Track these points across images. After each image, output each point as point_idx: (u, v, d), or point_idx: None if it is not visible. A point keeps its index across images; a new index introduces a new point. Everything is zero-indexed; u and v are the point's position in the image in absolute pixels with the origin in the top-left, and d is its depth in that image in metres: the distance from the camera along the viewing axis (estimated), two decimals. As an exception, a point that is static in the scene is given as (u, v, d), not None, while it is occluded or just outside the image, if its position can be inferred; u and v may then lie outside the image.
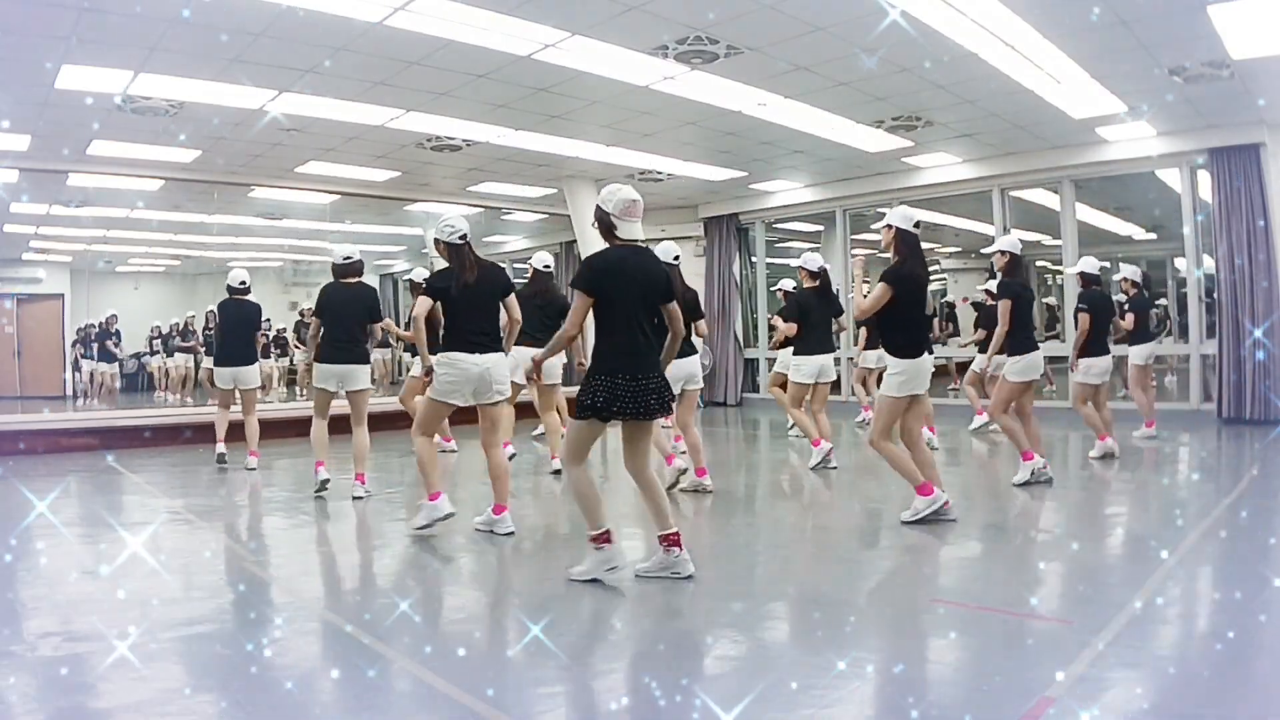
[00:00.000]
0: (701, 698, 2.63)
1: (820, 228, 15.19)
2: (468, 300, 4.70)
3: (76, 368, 13.96)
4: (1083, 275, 7.20)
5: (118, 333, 13.89)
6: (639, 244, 3.85)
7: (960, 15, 6.14)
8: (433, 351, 4.88)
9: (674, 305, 3.87)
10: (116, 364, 13.93)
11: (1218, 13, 6.06)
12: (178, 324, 14.48)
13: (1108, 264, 11.36)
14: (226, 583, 4.15)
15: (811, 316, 7.08)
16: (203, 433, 8.03)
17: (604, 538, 3.78)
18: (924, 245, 5.09)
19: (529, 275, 7.07)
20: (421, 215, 14.01)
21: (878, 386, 7.62)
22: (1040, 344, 6.42)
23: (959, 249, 18.04)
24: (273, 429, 8.50)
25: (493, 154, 10.09)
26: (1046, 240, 14.37)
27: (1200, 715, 2.49)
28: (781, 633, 3.47)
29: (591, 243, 13.18)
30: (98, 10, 5.62)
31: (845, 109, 8.59)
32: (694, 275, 13.91)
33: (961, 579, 4.13)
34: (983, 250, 8.70)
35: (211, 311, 13.23)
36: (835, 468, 6.94)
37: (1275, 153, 9.07)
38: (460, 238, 4.74)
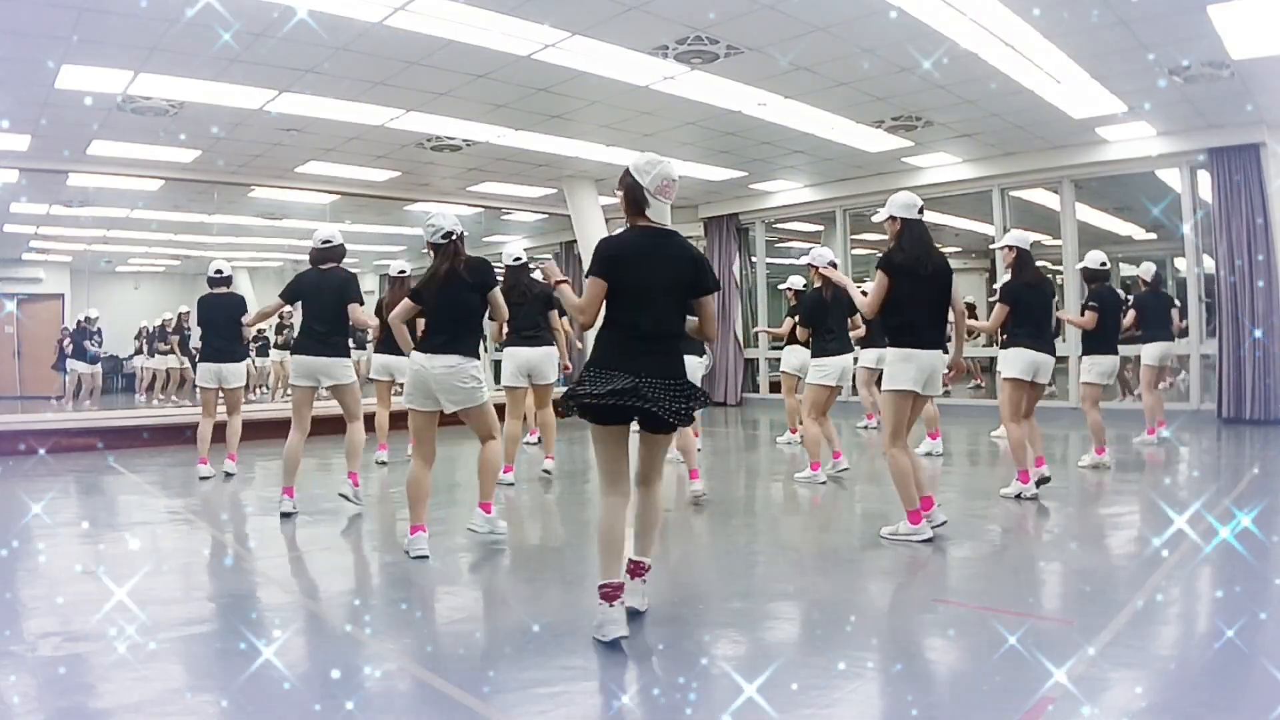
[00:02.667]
0: (701, 698, 2.64)
1: (820, 228, 15.19)
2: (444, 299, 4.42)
3: (61, 369, 13.82)
4: (1085, 270, 6.93)
5: (99, 331, 13.55)
6: (666, 228, 3.34)
7: (960, 15, 6.14)
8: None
9: (710, 299, 3.42)
10: (99, 364, 13.71)
11: (1218, 13, 6.07)
12: (169, 320, 14.02)
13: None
14: (226, 582, 4.15)
15: (830, 316, 6.41)
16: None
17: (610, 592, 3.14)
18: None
19: (502, 272, 6.41)
20: (422, 215, 14.01)
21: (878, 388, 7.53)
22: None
23: (959, 249, 18.05)
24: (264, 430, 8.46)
25: (493, 154, 10.10)
26: (1046, 240, 14.37)
27: (1200, 715, 2.49)
28: (781, 633, 3.47)
29: (592, 241, 13.13)
30: (98, 10, 5.62)
31: (845, 109, 8.59)
32: (694, 275, 13.92)
33: (961, 579, 4.13)
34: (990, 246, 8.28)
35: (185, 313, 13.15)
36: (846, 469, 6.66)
37: (1275, 152, 9.07)
38: (444, 236, 4.42)
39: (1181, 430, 8.99)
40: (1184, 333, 11.32)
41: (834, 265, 6.55)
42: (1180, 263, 11.19)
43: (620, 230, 3.37)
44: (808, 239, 16.18)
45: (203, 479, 6.86)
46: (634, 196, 3.29)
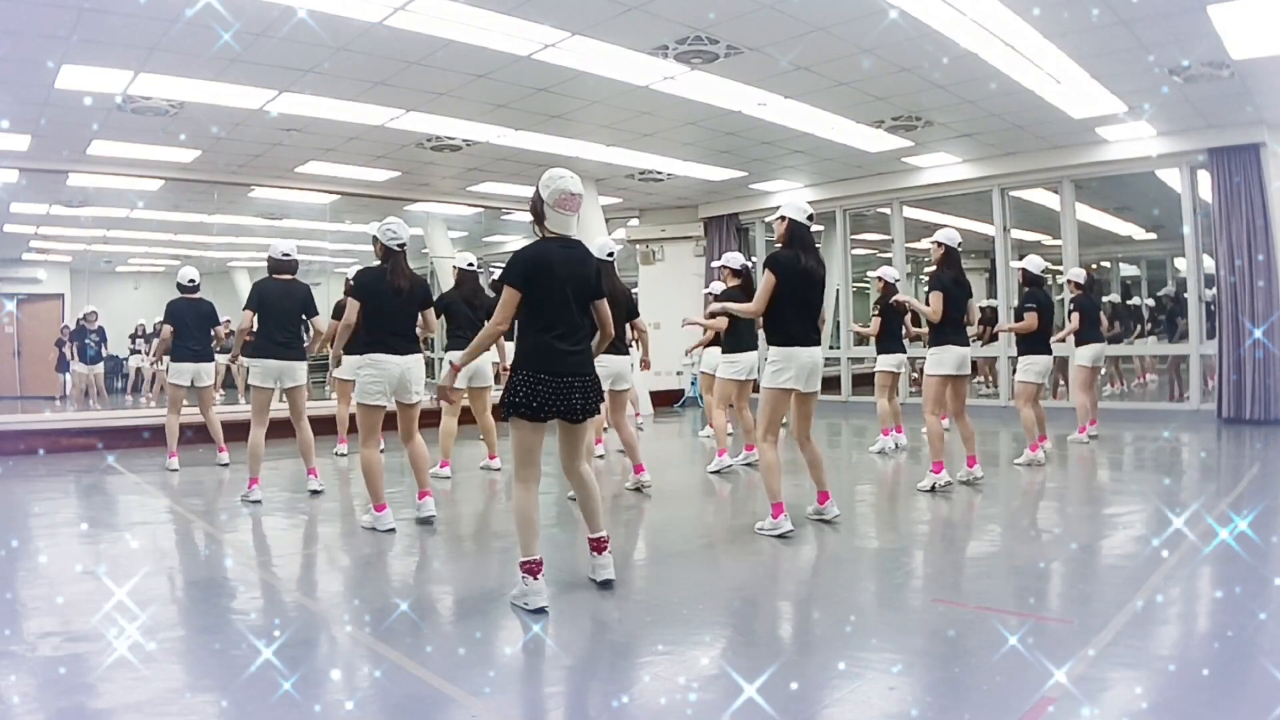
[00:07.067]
0: (700, 698, 2.64)
1: (820, 228, 15.19)
2: (395, 305, 4.97)
3: (62, 369, 13.78)
4: (1025, 273, 7.23)
5: (100, 330, 13.39)
6: (570, 238, 3.65)
7: (960, 15, 6.14)
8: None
9: (604, 303, 3.76)
10: (100, 364, 13.61)
11: (1218, 13, 6.07)
12: (143, 325, 14.16)
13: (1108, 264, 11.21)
14: (225, 583, 4.15)
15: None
16: (203, 432, 7.99)
17: (532, 568, 3.51)
18: (925, 245, 5.16)
19: (455, 277, 6.88)
20: (422, 215, 14.03)
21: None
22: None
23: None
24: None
25: (493, 154, 10.09)
26: (1046, 240, 14.36)
27: (1200, 715, 2.49)
28: (781, 632, 3.47)
29: (590, 240, 13.02)
30: (98, 10, 5.62)
31: (845, 109, 8.59)
32: (694, 275, 13.93)
33: (961, 579, 4.13)
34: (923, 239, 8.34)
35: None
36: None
37: (1275, 152, 9.08)
38: (399, 245, 4.99)
39: (1180, 430, 8.99)
40: (1115, 337, 11.50)
41: (748, 269, 7.10)
42: (1180, 263, 11.19)
43: (532, 241, 3.69)
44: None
45: (172, 471, 7.46)
46: (533, 208, 3.64)
